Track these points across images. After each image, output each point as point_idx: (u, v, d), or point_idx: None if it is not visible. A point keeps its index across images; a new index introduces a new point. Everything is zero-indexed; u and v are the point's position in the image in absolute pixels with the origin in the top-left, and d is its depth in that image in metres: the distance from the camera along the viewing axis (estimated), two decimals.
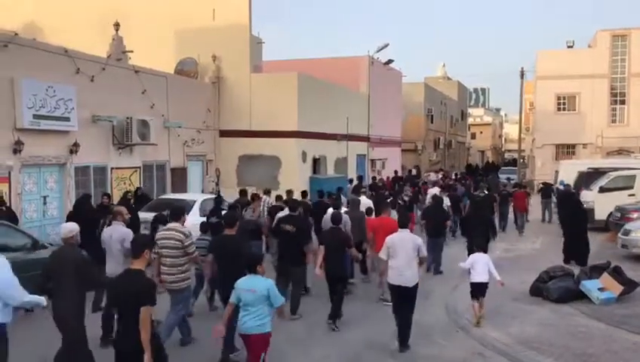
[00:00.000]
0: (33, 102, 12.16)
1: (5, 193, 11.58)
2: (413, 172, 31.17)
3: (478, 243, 8.96)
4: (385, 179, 25.11)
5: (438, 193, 15.43)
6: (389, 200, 12.18)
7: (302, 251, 8.41)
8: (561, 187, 16.98)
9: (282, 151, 19.56)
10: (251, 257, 5.81)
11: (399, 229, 7.65)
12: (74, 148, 13.50)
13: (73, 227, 6.20)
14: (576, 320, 8.57)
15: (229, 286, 5.73)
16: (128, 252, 5.93)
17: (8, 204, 11.35)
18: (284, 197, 12.94)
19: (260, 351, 5.46)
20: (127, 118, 15.01)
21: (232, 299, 5.55)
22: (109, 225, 8.18)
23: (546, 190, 20.98)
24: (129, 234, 7.23)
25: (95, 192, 13.76)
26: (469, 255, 9.25)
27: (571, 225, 12.78)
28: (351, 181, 20.33)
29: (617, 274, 9.61)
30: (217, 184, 19.94)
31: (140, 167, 16.13)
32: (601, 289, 9.33)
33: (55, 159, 13.20)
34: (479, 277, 8.31)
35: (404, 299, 7.32)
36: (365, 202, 11.67)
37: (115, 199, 13.53)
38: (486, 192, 16.65)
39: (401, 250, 7.30)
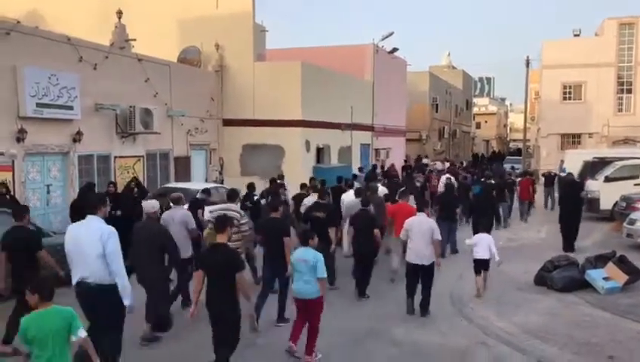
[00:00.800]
0: (36, 90, 12.12)
1: (9, 182, 11.58)
2: (425, 160, 31.41)
3: (483, 224, 9.72)
4: (390, 167, 25.24)
5: (450, 179, 16.38)
6: (403, 188, 12.49)
7: (328, 235, 8.95)
8: (563, 174, 17.36)
9: (286, 141, 19.49)
10: (305, 232, 6.89)
11: (417, 213, 8.64)
12: (77, 137, 13.46)
13: (155, 203, 7.46)
14: (580, 309, 8.54)
15: (274, 262, 6.96)
16: (194, 232, 8.00)
17: (12, 193, 11.35)
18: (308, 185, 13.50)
19: (319, 312, 6.47)
20: (131, 106, 14.96)
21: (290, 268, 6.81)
22: (167, 208, 8.89)
23: (549, 178, 21.52)
24: (190, 216, 8.16)
25: (98, 181, 13.74)
26: (474, 235, 9.84)
27: (567, 211, 13.13)
28: (360, 170, 20.79)
29: (622, 263, 9.56)
30: (221, 173, 19.92)
31: (143, 156, 16.11)
32: (605, 279, 9.29)
33: (58, 148, 13.18)
34: (481, 254, 9.18)
35: (422, 276, 8.24)
36: (381, 189, 12.43)
37: (119, 188, 13.52)
38: (492, 181, 16.87)
39: (419, 232, 8.15)
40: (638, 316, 8.08)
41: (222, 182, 18.37)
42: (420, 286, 8.35)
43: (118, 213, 11.16)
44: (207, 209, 9.68)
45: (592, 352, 6.85)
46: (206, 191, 11.72)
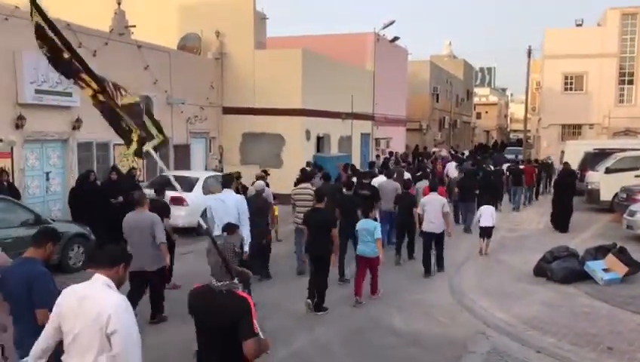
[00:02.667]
0: (35, 76, 12.03)
1: (8, 168, 11.53)
2: (434, 150, 32.95)
3: (486, 199, 12.36)
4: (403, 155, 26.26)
5: (454, 167, 19.11)
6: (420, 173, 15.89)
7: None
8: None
9: (286, 129, 19.42)
10: (365, 207, 8.70)
11: (430, 192, 10.50)
12: (76, 124, 13.39)
13: (262, 183, 9.83)
14: (580, 300, 8.54)
15: (316, 247, 7.88)
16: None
17: (11, 180, 11.31)
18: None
19: (377, 265, 8.40)
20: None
21: (355, 235, 8.47)
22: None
23: (545, 165, 23.61)
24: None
25: (98, 168, 13.69)
26: (477, 208, 12.34)
27: (559, 196, 14.83)
28: (377, 157, 21.85)
29: (622, 254, 9.55)
30: (220, 161, 19.87)
31: None
32: (605, 270, 9.28)
33: (58, 135, 13.12)
34: (485, 222, 11.46)
35: (435, 242, 10.13)
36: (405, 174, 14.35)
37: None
38: (492, 168, 18.57)
39: (431, 207, 10.05)
40: (637, 307, 8.08)
41: (221, 171, 18.33)
42: (434, 253, 10.23)
43: (120, 199, 11.15)
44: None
45: (592, 343, 6.85)
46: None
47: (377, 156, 23.70)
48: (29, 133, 12.20)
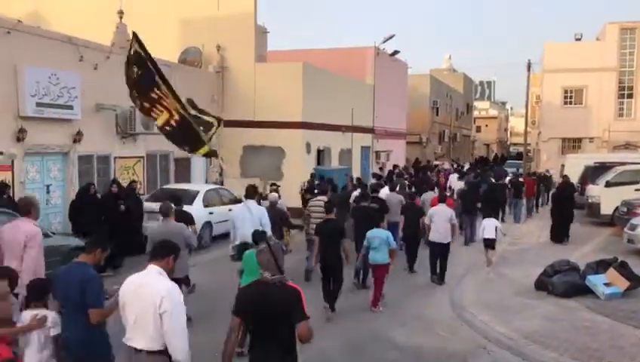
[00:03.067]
0: (36, 89, 12.08)
1: (8, 181, 11.53)
2: (437, 162, 34.02)
3: (488, 212, 12.56)
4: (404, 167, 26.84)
5: (456, 180, 19.51)
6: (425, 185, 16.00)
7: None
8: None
9: (286, 142, 19.45)
10: (376, 217, 9.48)
11: (438, 204, 10.89)
12: (77, 137, 13.43)
13: (275, 194, 10.54)
14: (581, 314, 8.49)
15: (328, 256, 8.12)
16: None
17: (12, 194, 11.30)
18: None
19: (384, 273, 8.68)
20: (131, 106, 14.86)
21: (365, 243, 8.77)
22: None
23: (543, 178, 23.77)
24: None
25: (98, 181, 13.69)
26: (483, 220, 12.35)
27: (560, 209, 14.99)
28: (381, 169, 22.24)
29: (623, 269, 9.52)
30: (221, 174, 19.87)
31: (143, 157, 16.07)
32: (606, 284, 9.24)
33: (58, 148, 13.14)
34: (488, 234, 11.73)
35: (440, 252, 10.39)
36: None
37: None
38: (500, 181, 18.81)
39: (439, 218, 10.35)
40: (639, 322, 8.03)
41: (222, 184, 18.33)
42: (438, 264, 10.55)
43: (122, 207, 11.21)
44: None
45: (593, 358, 6.80)
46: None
47: (381, 168, 24.11)
48: (29, 146, 12.22)
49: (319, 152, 21.23)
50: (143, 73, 5.94)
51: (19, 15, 16.59)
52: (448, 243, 10.42)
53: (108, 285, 5.42)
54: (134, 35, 5.73)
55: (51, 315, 4.48)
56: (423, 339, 7.53)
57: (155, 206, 12.79)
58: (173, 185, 15.37)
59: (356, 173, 22.59)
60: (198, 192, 13.66)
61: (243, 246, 7.38)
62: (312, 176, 16.79)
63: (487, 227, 11.78)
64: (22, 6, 20.05)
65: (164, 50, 18.06)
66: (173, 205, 8.38)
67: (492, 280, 10.75)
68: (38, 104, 12.15)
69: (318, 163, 21.06)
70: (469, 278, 10.92)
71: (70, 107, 12.95)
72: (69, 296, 4.38)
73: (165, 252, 4.12)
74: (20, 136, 11.92)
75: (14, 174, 11.91)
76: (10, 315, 4.53)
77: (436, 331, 7.87)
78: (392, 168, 24.55)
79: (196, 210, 12.69)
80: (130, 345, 3.87)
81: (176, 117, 5.78)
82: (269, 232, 8.10)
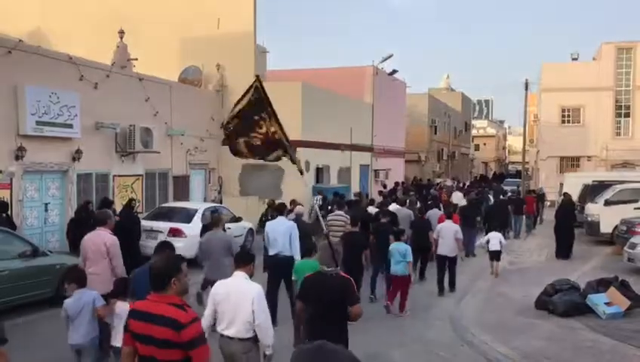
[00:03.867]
0: (36, 108, 12.13)
1: (7, 199, 11.50)
2: (439, 180, 34.89)
3: (494, 226, 13.93)
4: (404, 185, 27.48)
5: (461, 197, 20.73)
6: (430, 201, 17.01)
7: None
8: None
9: (285, 161, 19.35)
10: (398, 231, 9.96)
11: (445, 220, 11.71)
12: (76, 155, 13.45)
13: (301, 207, 11.19)
14: (582, 334, 8.42)
15: (349, 264, 8.04)
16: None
17: (9, 212, 11.26)
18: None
19: (408, 283, 9.46)
20: (131, 125, 14.98)
21: (389, 256, 9.46)
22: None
23: (540, 196, 24.79)
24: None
25: (97, 199, 13.67)
26: (486, 234, 13.46)
27: (563, 226, 15.49)
28: (380, 192, 21.88)
29: (624, 288, 9.46)
30: (220, 193, 19.86)
31: (142, 175, 16.08)
32: (607, 304, 9.17)
33: (57, 166, 13.15)
34: (494, 247, 12.58)
35: (448, 264, 11.12)
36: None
37: (118, 207, 13.46)
38: (491, 197, 20.13)
39: (446, 233, 11.11)
40: None
41: (220, 202, 18.30)
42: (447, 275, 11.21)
43: (116, 217, 11.24)
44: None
45: None
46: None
47: (384, 186, 24.65)
48: (28, 164, 12.23)
49: (318, 170, 21.26)
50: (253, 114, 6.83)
51: (22, 33, 16.74)
52: (455, 256, 11.21)
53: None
54: (257, 78, 6.51)
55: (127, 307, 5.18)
56: (423, 360, 7.44)
57: (154, 224, 12.84)
58: (171, 204, 15.33)
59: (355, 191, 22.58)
60: (196, 211, 13.62)
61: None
62: (320, 192, 18.15)
63: (493, 240, 12.68)
64: (25, 24, 20.22)
65: (164, 69, 18.22)
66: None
67: (492, 300, 10.68)
68: (38, 122, 12.19)
69: (317, 181, 21.07)
70: (470, 298, 10.85)
71: (70, 125, 12.99)
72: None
73: (248, 259, 4.97)
74: (19, 154, 11.94)
75: (13, 192, 11.90)
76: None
77: (436, 352, 7.78)
78: (394, 185, 25.06)
79: (194, 228, 12.65)
80: (224, 334, 4.73)
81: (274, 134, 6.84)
82: (297, 246, 8.84)
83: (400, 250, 9.38)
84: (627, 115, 35.59)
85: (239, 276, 4.85)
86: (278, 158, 7.08)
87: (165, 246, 5.68)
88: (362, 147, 25.29)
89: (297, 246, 8.66)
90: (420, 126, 38.69)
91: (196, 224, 13.00)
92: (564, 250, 15.16)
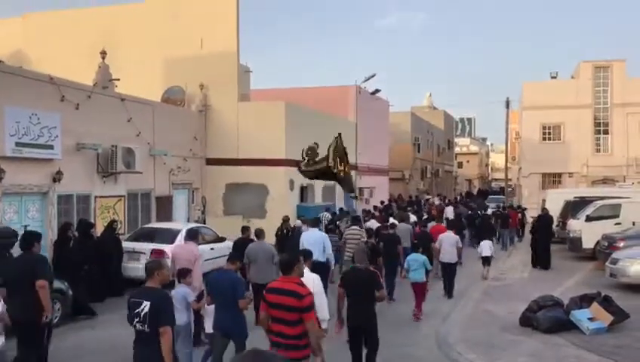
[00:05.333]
0: (16, 129, 11.98)
1: None
2: (427, 197, 37.25)
3: (485, 236, 16.02)
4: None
5: (452, 211, 23.60)
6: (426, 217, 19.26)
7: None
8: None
9: (269, 180, 19.45)
10: (415, 245, 12.47)
11: (446, 231, 13.28)
12: (57, 177, 13.27)
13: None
14: (566, 350, 8.43)
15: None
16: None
17: None
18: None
19: (424, 289, 10.70)
20: (113, 146, 14.86)
21: (406, 266, 10.74)
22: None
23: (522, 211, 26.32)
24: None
25: (77, 221, 13.46)
26: (477, 243, 15.78)
27: (540, 239, 16.84)
28: (375, 207, 22.86)
29: (607, 303, 9.52)
30: (203, 212, 19.72)
31: (124, 196, 15.91)
32: (591, 319, 9.21)
33: (37, 187, 12.96)
34: (485, 253, 14.48)
35: (449, 270, 12.58)
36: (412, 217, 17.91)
37: (99, 228, 13.30)
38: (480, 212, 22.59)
39: (447, 243, 12.52)
40: (624, 357, 7.99)
41: (204, 222, 18.17)
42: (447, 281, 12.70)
43: (94, 231, 11.68)
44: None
45: None
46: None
47: (382, 202, 25.94)
48: (7, 186, 12.04)
49: (302, 189, 21.23)
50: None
51: (3, 54, 16.63)
52: (455, 263, 12.71)
53: (88, 327, 5.48)
54: (339, 135, 12.03)
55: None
56: None
57: (136, 245, 12.70)
58: (154, 224, 15.18)
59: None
60: (179, 231, 13.47)
61: None
62: (326, 209, 19.32)
63: (484, 247, 14.56)
64: (6, 46, 20.10)
65: (147, 89, 18.18)
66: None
67: (477, 318, 10.67)
68: (18, 143, 12.03)
69: (302, 200, 21.04)
70: (455, 315, 10.84)
71: (50, 147, 12.84)
72: (224, 293, 6.54)
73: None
74: None
75: None
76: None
77: None
78: (388, 201, 26.79)
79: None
80: None
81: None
82: (331, 253, 10.72)
83: (418, 260, 10.65)
84: (606, 132, 36.21)
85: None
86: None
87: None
88: None
89: (331, 252, 10.70)
90: (404, 144, 38.95)
91: (180, 243, 12.85)
92: (542, 261, 16.43)
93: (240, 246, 10.54)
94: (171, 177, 18.11)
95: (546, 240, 16.78)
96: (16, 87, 12.32)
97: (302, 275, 5.35)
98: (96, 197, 14.79)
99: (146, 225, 15.12)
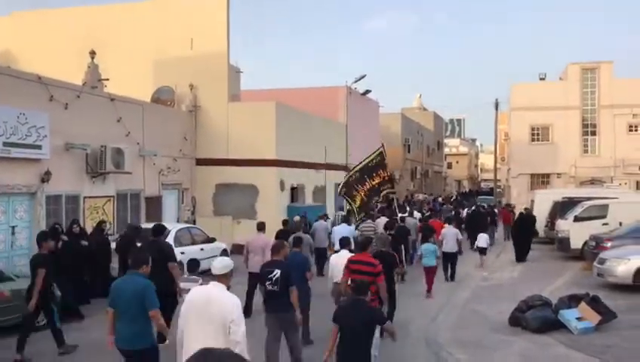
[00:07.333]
0: (4, 129, 11.85)
1: None
2: (421, 197, 39.15)
3: (479, 230, 18.45)
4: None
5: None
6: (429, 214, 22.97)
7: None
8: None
9: (260, 180, 19.41)
10: (426, 233, 14.35)
11: (446, 226, 15.51)
12: (45, 177, 13.14)
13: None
14: (555, 350, 8.50)
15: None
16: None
17: None
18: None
19: (434, 272, 12.90)
20: (102, 146, 14.76)
21: (419, 253, 13.42)
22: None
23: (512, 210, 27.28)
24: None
25: (66, 222, 13.37)
26: (473, 240, 18.86)
27: (521, 235, 18.49)
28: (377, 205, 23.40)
29: (595, 303, 9.61)
30: (193, 213, 19.65)
31: (113, 196, 15.81)
32: (579, 319, 9.30)
33: (25, 188, 12.84)
34: (481, 244, 17.09)
35: (450, 259, 14.66)
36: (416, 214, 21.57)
37: (88, 229, 13.21)
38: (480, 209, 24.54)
39: (448, 236, 14.71)
40: (612, 356, 8.07)
41: (194, 222, 18.11)
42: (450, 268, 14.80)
43: (85, 242, 11.36)
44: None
45: None
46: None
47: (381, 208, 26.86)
48: None
49: (293, 190, 21.22)
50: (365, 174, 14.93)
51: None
52: (456, 252, 14.84)
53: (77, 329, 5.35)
54: (382, 146, 15.31)
55: None
56: None
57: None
58: (143, 225, 15.08)
59: (330, 210, 22.62)
60: (169, 232, 13.42)
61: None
62: (324, 215, 19.44)
63: (480, 239, 17.14)
64: None
65: (137, 89, 18.07)
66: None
67: (467, 318, 10.72)
68: (5, 143, 11.90)
69: (292, 200, 21.02)
70: (444, 316, 10.88)
71: (39, 147, 12.72)
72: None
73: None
74: None
75: None
76: None
77: None
78: (389, 201, 27.00)
79: None
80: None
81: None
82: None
83: (429, 248, 12.92)
84: (594, 133, 36.53)
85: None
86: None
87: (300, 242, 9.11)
88: (337, 166, 25.38)
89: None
90: (394, 145, 39.03)
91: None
92: (521, 255, 18.14)
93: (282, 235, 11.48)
94: (161, 177, 18.02)
95: (526, 237, 18.44)
96: (4, 87, 12.20)
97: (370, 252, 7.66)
98: (85, 197, 14.68)
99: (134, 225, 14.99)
